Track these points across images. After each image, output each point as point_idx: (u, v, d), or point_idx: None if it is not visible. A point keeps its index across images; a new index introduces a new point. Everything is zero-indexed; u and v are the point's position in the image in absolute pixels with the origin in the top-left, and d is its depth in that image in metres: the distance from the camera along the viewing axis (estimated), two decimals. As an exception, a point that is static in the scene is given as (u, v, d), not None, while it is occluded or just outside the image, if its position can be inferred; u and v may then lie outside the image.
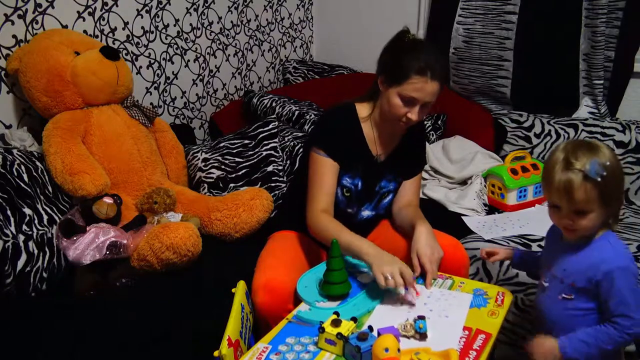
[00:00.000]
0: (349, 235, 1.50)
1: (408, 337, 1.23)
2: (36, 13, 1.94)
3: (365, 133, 1.65)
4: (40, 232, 1.66)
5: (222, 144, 2.30)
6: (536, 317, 1.41)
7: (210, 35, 2.72)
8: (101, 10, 2.17)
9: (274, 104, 2.64)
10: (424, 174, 2.42)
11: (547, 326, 1.34)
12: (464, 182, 2.40)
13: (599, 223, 1.24)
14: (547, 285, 1.34)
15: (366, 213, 1.74)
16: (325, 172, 1.59)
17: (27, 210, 1.65)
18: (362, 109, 1.65)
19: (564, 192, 1.20)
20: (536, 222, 2.10)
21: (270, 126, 2.32)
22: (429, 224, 1.57)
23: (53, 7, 1.99)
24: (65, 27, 2.05)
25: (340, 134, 1.60)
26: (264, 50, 3.11)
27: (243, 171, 2.21)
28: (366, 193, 1.70)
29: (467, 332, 1.27)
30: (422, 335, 1.23)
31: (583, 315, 1.28)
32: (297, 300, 1.43)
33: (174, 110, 2.60)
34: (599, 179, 1.17)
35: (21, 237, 1.59)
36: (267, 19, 3.07)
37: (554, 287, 1.32)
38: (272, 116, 2.49)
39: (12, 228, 1.59)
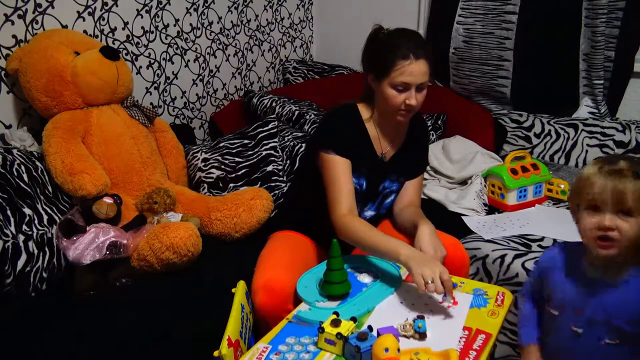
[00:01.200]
0: (382, 236, 1.49)
1: (408, 337, 1.23)
2: (36, 13, 1.94)
3: (369, 132, 1.65)
4: (40, 232, 1.66)
5: (222, 144, 2.30)
6: None
7: (210, 35, 2.72)
8: (101, 10, 2.17)
9: (274, 104, 2.64)
10: (424, 174, 2.42)
11: None
12: (464, 182, 2.40)
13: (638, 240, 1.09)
14: (582, 332, 1.15)
15: (369, 213, 1.74)
16: (341, 172, 1.57)
17: (27, 210, 1.66)
18: (363, 110, 1.65)
19: (612, 183, 1.06)
20: (536, 222, 2.09)
21: (270, 126, 2.32)
22: (431, 224, 1.57)
23: (53, 7, 1.99)
24: (65, 27, 2.05)
25: (347, 134, 1.60)
26: (264, 50, 3.11)
27: (243, 171, 2.21)
28: (370, 193, 1.70)
29: (467, 332, 1.26)
30: (421, 335, 1.23)
31: None
32: (297, 300, 1.43)
33: (174, 110, 2.60)
34: None
35: (21, 237, 1.59)
36: (267, 19, 3.07)
37: (594, 332, 1.14)
38: (272, 116, 2.49)
39: (12, 228, 1.59)
